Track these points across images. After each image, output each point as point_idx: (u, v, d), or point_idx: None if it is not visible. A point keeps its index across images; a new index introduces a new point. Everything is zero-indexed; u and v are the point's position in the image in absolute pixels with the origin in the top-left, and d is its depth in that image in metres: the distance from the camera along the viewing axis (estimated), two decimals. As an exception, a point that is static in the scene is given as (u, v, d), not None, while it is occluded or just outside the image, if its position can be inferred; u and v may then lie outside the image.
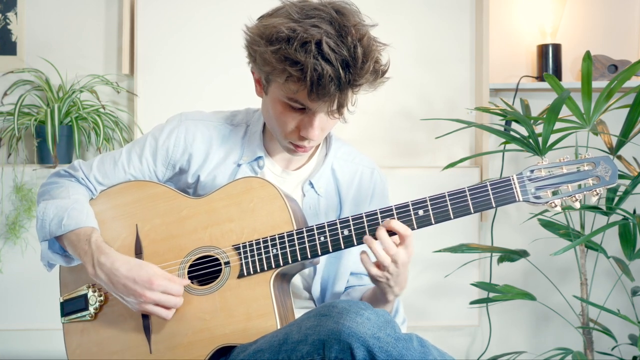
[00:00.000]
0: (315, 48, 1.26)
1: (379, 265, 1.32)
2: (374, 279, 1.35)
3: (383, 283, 1.35)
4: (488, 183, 1.32)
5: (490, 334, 2.70)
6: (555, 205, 1.31)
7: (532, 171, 1.32)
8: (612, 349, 2.49)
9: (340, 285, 1.55)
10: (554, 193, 1.31)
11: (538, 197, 1.31)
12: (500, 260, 2.41)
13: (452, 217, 1.32)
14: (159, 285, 1.34)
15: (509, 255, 2.39)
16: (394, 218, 1.32)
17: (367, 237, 1.32)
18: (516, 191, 1.31)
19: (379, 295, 1.40)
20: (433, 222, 1.32)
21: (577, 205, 1.31)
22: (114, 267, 1.36)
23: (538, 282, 2.66)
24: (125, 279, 1.35)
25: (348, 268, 1.55)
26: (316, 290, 1.53)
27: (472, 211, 1.31)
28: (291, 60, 1.27)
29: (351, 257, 1.54)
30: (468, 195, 1.31)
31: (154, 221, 1.45)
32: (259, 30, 1.34)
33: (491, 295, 2.36)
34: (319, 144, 1.57)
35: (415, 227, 1.32)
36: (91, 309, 1.46)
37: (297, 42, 1.26)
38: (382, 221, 1.33)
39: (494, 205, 1.31)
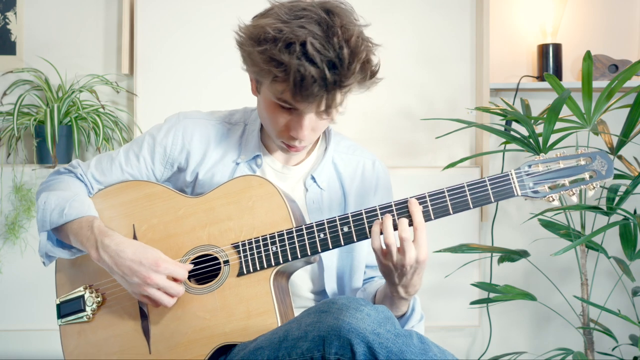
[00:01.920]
0: (299, 49, 1.25)
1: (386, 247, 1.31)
2: (380, 264, 1.34)
3: (387, 274, 1.33)
4: (487, 178, 1.33)
5: (490, 335, 2.70)
6: (553, 200, 1.33)
7: (529, 166, 1.33)
8: (613, 349, 2.48)
9: (357, 279, 1.55)
10: (552, 188, 1.33)
11: (536, 192, 1.33)
12: (501, 260, 2.40)
13: (451, 212, 1.32)
14: (165, 267, 1.33)
15: (510, 256, 2.39)
16: (394, 216, 1.32)
17: (387, 215, 1.31)
18: (514, 186, 1.32)
19: (387, 291, 1.40)
20: (432, 218, 1.32)
21: (575, 199, 1.33)
22: (119, 249, 1.35)
23: (538, 282, 2.65)
24: (131, 261, 1.34)
25: (362, 262, 1.55)
26: (332, 287, 1.52)
27: (471, 206, 1.32)
28: (276, 62, 1.27)
29: (363, 251, 1.55)
30: (467, 191, 1.32)
31: (151, 221, 1.44)
32: (248, 30, 1.34)
33: (491, 295, 2.36)
34: (318, 140, 1.57)
35: None
36: (88, 310, 1.45)
37: (281, 43, 1.27)
38: (381, 218, 1.32)
39: (492, 200, 1.32)
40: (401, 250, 1.30)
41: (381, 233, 1.32)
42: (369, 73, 1.33)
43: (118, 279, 1.38)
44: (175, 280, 1.36)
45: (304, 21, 1.28)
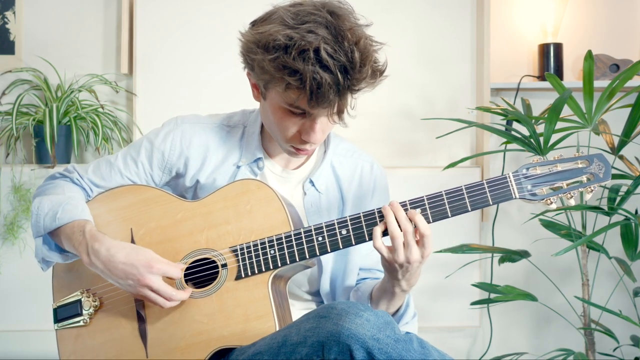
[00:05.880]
0: (313, 56, 1.25)
1: (390, 248, 1.31)
2: (385, 262, 1.33)
3: (392, 270, 1.33)
4: (485, 181, 1.33)
5: (491, 335, 2.69)
6: (551, 202, 1.33)
7: (527, 169, 1.33)
8: (614, 350, 2.48)
9: (350, 280, 1.55)
10: (550, 190, 1.33)
11: (534, 194, 1.32)
12: (502, 260, 2.39)
13: (449, 215, 1.32)
14: (158, 268, 1.33)
15: (510, 256, 2.38)
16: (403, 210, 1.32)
17: (386, 207, 1.31)
18: (512, 189, 1.32)
19: (387, 285, 1.40)
20: (431, 220, 1.32)
21: (572, 202, 1.33)
22: (110, 254, 1.34)
23: (539, 282, 2.64)
24: (123, 264, 1.33)
25: (356, 264, 1.55)
26: (325, 288, 1.52)
27: (470, 209, 1.32)
28: (290, 69, 1.26)
29: (358, 254, 1.54)
30: (465, 193, 1.32)
31: (148, 225, 1.43)
32: (254, 37, 1.32)
33: (492, 296, 2.35)
34: None
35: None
36: (85, 315, 1.44)
37: (294, 51, 1.25)
38: (379, 220, 1.32)
39: (491, 203, 1.32)
40: (420, 243, 1.30)
41: (384, 234, 1.31)
42: (377, 73, 1.32)
43: (112, 282, 1.38)
44: (170, 279, 1.36)
45: (311, 25, 1.27)
